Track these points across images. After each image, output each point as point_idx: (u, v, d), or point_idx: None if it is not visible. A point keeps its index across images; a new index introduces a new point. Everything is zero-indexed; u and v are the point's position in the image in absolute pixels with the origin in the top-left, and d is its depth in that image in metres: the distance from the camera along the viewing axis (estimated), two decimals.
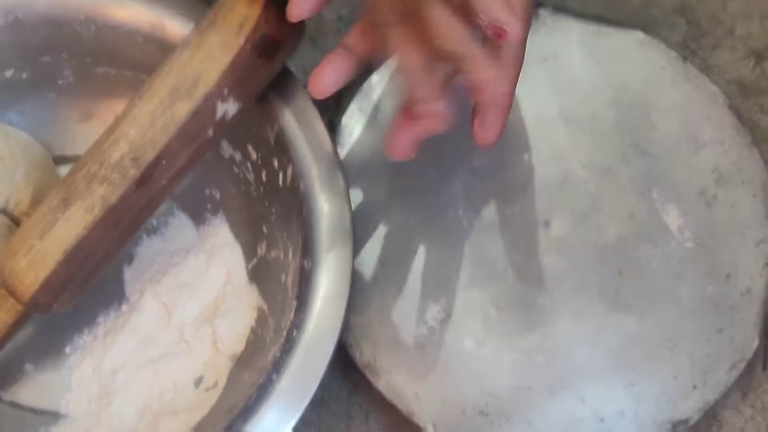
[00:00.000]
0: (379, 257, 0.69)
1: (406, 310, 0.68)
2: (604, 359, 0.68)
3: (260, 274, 0.68)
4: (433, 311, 0.68)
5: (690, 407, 0.67)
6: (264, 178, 0.66)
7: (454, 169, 0.71)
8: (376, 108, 0.71)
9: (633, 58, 0.74)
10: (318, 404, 0.70)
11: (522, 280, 0.69)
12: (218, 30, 0.58)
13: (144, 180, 0.58)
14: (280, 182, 0.64)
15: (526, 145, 0.71)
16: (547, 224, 0.70)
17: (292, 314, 0.61)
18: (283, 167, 0.63)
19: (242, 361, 0.66)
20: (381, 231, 0.70)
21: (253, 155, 0.66)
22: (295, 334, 0.60)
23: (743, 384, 0.70)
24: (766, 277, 0.69)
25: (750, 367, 0.69)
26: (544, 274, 0.69)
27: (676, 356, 0.68)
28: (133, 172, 0.57)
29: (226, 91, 0.58)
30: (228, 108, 0.58)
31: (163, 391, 0.67)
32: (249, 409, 0.59)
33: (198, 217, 0.71)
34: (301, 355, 0.60)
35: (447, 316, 0.68)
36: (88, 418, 0.67)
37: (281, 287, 0.64)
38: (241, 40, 0.57)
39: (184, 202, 0.71)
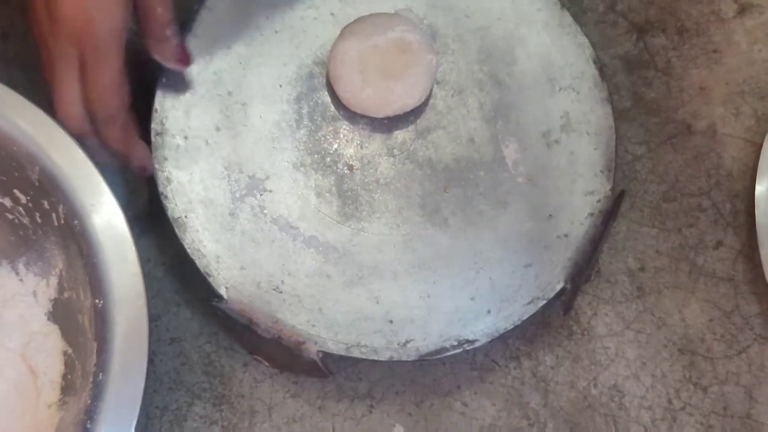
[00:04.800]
0: (215, 121, 0.70)
1: (229, 177, 0.69)
2: (408, 267, 0.68)
3: (59, 317, 0.66)
4: (255, 183, 0.69)
5: (480, 330, 0.67)
6: (39, 220, 0.65)
7: None
8: None
9: None
10: None
11: (350, 176, 0.70)
12: None
13: None
14: (55, 222, 0.63)
15: None
16: (389, 130, 0.71)
17: (95, 356, 0.59)
18: (54, 207, 0.62)
19: (60, 409, 0.64)
20: (218, 93, 0.70)
21: (22, 199, 0.65)
22: (101, 377, 0.58)
23: (540, 322, 0.71)
24: (586, 227, 0.70)
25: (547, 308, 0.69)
26: (372, 175, 0.70)
27: (479, 279, 0.68)
28: None
29: None
30: None
31: None
32: None
33: None
34: (112, 398, 0.57)
35: (267, 191, 0.69)
36: None
37: (81, 329, 0.63)
38: None
39: None
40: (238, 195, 0.68)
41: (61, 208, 0.62)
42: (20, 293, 0.68)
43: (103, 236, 0.61)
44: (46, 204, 0.63)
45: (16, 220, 0.66)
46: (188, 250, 0.67)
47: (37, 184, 0.62)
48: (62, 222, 0.62)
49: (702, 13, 0.80)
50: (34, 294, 0.67)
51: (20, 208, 0.65)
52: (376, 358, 0.66)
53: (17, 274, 0.68)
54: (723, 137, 0.77)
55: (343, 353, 0.66)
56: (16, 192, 0.65)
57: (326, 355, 0.66)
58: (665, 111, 0.78)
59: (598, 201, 0.70)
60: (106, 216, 0.61)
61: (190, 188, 0.68)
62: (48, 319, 0.67)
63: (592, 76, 0.73)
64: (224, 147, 0.69)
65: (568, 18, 0.74)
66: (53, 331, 0.67)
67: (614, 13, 0.79)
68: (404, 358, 0.66)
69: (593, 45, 0.74)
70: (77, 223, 0.61)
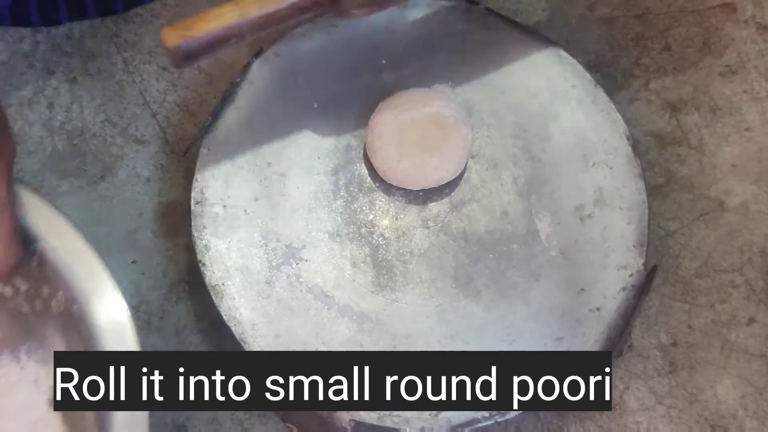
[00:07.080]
0: (253, 191, 0.71)
1: (266, 246, 0.70)
2: (441, 337, 0.69)
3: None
4: (292, 252, 0.70)
5: None
6: (39, 308, 0.64)
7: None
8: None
9: (548, 71, 0.76)
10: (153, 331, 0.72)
11: (385, 246, 0.71)
12: None
13: None
14: (55, 309, 0.64)
15: None
16: (423, 202, 0.72)
17: None
18: (53, 294, 0.62)
19: None
20: (257, 164, 0.72)
21: (22, 287, 0.64)
22: None
23: None
24: (618, 301, 0.70)
25: None
26: (407, 246, 0.71)
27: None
28: None
29: None
30: None
31: None
32: None
33: None
34: None
35: (303, 261, 0.70)
36: None
37: (82, 416, 0.63)
38: None
39: None
40: (274, 264, 0.70)
41: (60, 294, 0.62)
42: (22, 381, 0.67)
43: (103, 321, 0.60)
44: (46, 291, 0.63)
45: (17, 309, 0.66)
46: (224, 317, 0.68)
47: (36, 271, 0.62)
48: (62, 308, 0.62)
49: (735, 92, 0.81)
50: (36, 382, 0.66)
51: (20, 297, 0.65)
52: (407, 428, 0.66)
53: (18, 362, 0.67)
54: (755, 214, 0.77)
55: (375, 422, 0.66)
56: (17, 280, 0.64)
57: (358, 424, 0.66)
58: (698, 188, 0.78)
59: (631, 275, 0.71)
60: (106, 301, 0.60)
61: (228, 256, 0.69)
62: (49, 407, 0.66)
63: (625, 152, 0.74)
64: (262, 216, 0.71)
65: (602, 95, 0.75)
66: (55, 419, 0.65)
67: (648, 91, 0.81)
68: (435, 429, 0.67)
69: (627, 122, 0.75)
70: (76, 309, 0.61)
